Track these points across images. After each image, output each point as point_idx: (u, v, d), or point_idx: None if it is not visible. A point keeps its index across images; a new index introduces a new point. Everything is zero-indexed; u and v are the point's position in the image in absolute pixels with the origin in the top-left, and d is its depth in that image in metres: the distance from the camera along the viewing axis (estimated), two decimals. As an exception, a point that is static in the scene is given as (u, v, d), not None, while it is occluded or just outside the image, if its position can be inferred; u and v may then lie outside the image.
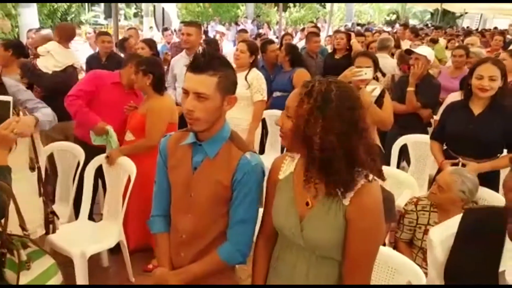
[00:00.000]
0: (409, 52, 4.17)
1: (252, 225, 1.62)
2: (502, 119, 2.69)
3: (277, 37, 10.66)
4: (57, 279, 1.90)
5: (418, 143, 3.73)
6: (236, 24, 18.99)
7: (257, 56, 3.91)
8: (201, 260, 1.61)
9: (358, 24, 18.38)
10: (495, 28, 16.53)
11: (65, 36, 4.07)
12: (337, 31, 6.26)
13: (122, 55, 5.08)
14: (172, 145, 1.69)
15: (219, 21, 19.79)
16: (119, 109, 3.21)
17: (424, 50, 4.08)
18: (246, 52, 3.72)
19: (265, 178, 1.60)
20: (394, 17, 25.81)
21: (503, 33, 11.18)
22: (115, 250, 3.11)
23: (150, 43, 4.57)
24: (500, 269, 0.89)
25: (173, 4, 15.27)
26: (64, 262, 2.23)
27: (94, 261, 3.02)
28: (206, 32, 17.37)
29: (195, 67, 1.49)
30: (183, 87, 1.53)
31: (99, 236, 2.93)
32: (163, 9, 14.22)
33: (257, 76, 3.79)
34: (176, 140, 1.69)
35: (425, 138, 3.51)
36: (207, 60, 1.48)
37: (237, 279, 1.78)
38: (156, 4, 14.74)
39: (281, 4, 11.18)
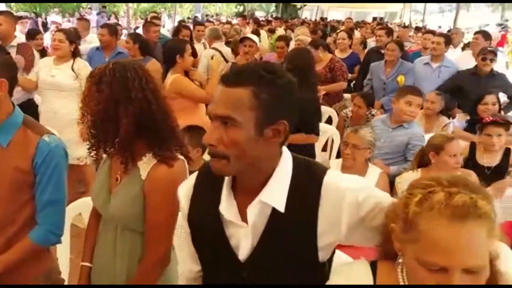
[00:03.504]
0: (242, 39, 4.53)
1: (62, 206, 1.65)
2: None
3: (125, 29, 10.30)
4: None
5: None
6: (80, 15, 17.78)
7: (77, 43, 3.82)
8: (13, 248, 1.59)
9: (207, 15, 18.78)
10: (332, 19, 18.42)
11: None
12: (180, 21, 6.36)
13: None
14: None
15: (60, 12, 18.31)
16: None
17: (255, 37, 4.51)
18: (65, 41, 3.60)
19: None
20: (241, 8, 26.86)
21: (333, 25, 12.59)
22: None
23: None
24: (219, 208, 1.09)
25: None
26: None
27: None
28: (45, 24, 15.93)
29: None
30: None
31: None
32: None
33: (84, 66, 3.70)
34: None
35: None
36: None
37: (55, 260, 1.82)
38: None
39: (127, -6, 10.79)
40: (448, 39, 4.69)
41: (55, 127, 3.29)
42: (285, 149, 1.10)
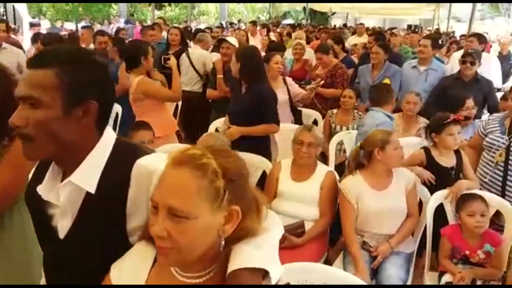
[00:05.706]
0: (220, 41, 4.55)
1: None
2: (253, 98, 3.10)
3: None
4: None
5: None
6: (109, 23, 18.38)
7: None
8: None
9: (231, 23, 19.01)
10: (361, 24, 18.09)
11: None
12: (172, 27, 6.49)
13: None
14: None
15: (89, 20, 18.97)
16: None
17: (233, 40, 4.53)
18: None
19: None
20: (267, 16, 26.91)
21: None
22: None
23: None
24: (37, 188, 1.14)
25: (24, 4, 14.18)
26: None
27: None
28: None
29: None
30: None
31: None
32: (13, 7, 13.18)
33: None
34: None
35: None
36: None
37: None
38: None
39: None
40: (436, 42, 4.53)
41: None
42: (108, 133, 1.11)
